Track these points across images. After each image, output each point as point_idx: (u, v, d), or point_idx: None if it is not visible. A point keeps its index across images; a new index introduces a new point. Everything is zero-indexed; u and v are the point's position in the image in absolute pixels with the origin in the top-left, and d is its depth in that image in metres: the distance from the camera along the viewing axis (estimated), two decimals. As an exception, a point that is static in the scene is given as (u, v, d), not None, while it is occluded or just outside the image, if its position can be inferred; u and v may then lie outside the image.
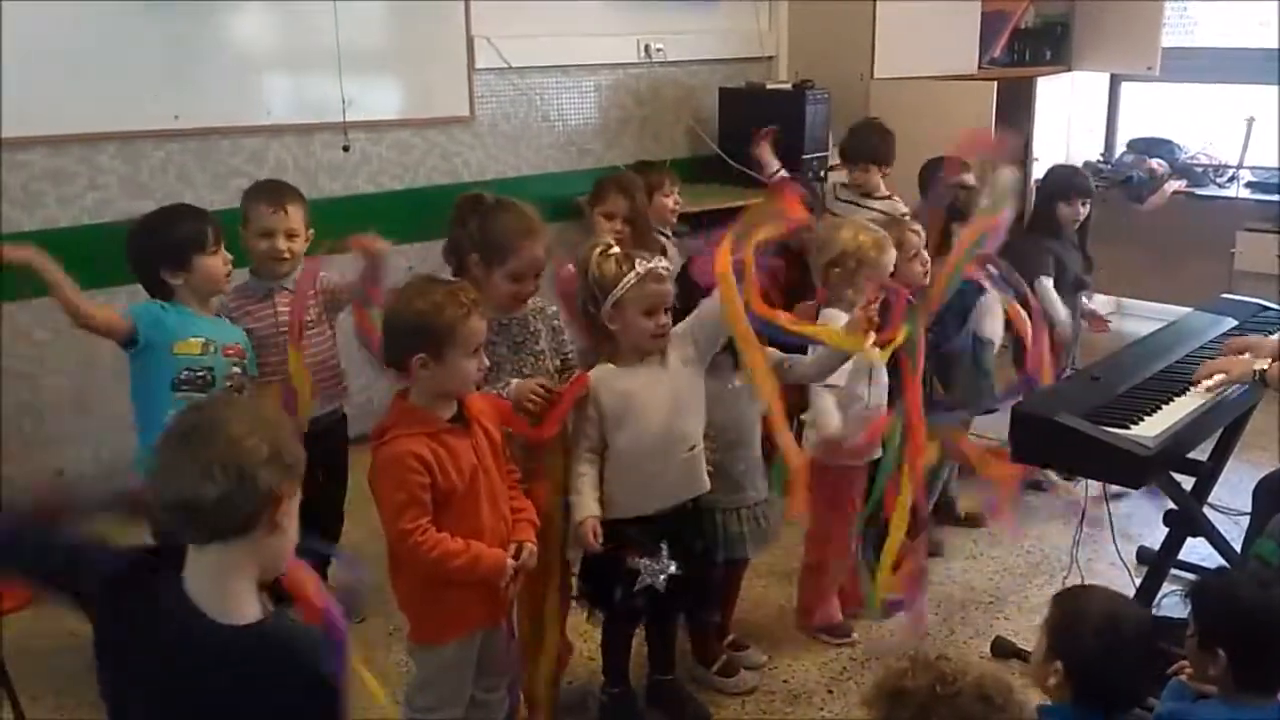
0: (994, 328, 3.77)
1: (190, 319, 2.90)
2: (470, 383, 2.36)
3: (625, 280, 2.58)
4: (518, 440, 2.58)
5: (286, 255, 3.12)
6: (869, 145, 4.39)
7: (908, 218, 3.69)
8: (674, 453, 2.68)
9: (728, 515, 2.91)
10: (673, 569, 2.67)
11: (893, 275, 3.19)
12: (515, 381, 2.64)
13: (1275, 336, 3.24)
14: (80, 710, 2.90)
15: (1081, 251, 4.29)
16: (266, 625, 1.57)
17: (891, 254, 3.14)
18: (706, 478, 2.75)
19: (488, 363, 2.43)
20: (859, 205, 4.31)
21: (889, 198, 4.34)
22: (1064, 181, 4.30)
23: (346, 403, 3.36)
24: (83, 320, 2.83)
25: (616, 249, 2.66)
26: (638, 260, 2.61)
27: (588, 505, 2.62)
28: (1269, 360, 2.83)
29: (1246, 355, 2.98)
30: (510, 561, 2.37)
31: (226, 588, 1.56)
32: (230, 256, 2.97)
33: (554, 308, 2.82)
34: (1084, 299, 4.33)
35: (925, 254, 3.39)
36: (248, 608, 1.57)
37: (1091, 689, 2.03)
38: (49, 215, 4.01)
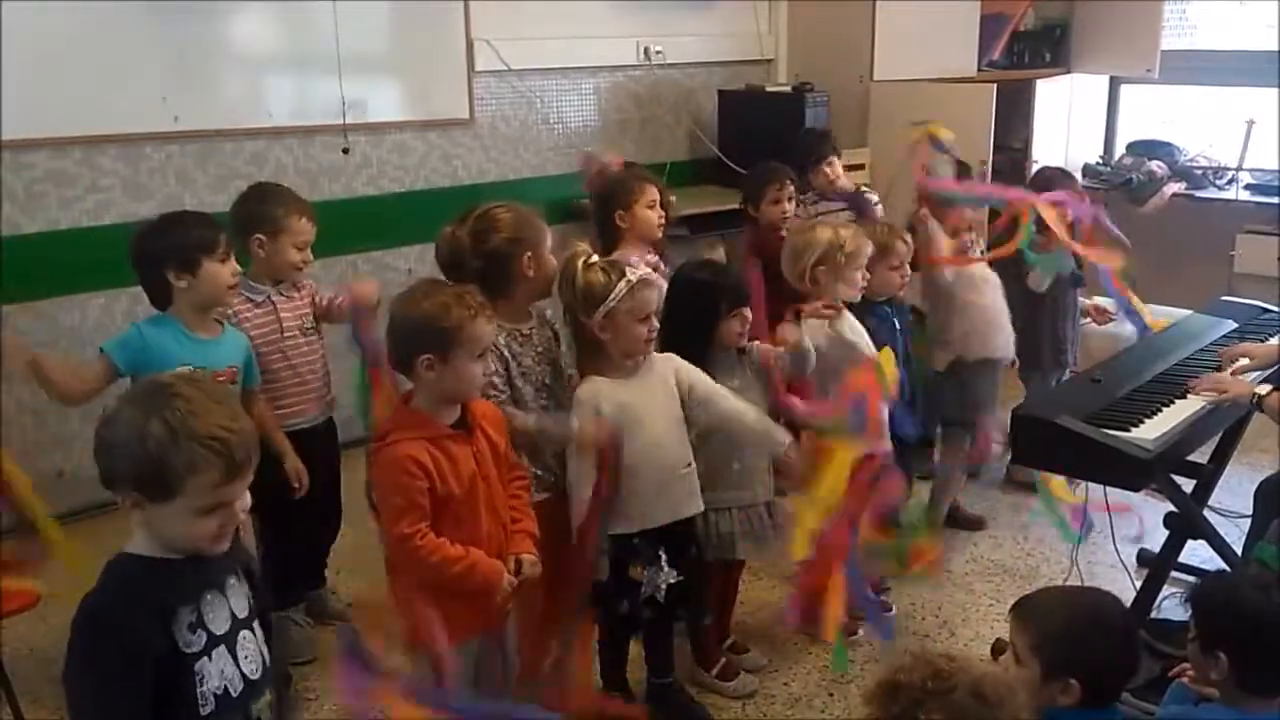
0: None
1: (182, 343, 2.81)
2: (475, 387, 2.36)
3: (617, 290, 2.58)
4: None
5: (309, 261, 3.19)
6: (809, 147, 4.43)
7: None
8: (673, 468, 2.69)
9: (720, 515, 2.90)
10: (673, 578, 2.68)
11: (870, 283, 3.21)
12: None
13: (1274, 341, 3.25)
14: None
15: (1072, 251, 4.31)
16: (117, 555, 1.69)
17: (869, 241, 3.17)
18: (700, 499, 2.76)
19: (490, 368, 2.43)
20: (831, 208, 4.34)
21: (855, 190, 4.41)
22: (1053, 182, 4.31)
23: (334, 410, 3.34)
24: (66, 398, 2.86)
25: (596, 257, 2.66)
26: (626, 268, 2.62)
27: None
28: (1268, 387, 2.83)
29: (1244, 361, 3.00)
30: (509, 577, 2.36)
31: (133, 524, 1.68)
32: (239, 269, 2.92)
33: (550, 311, 2.83)
34: (1082, 296, 4.34)
35: (908, 267, 3.38)
36: (135, 542, 1.68)
37: (1104, 688, 2.03)
38: (50, 217, 4.02)
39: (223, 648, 1.70)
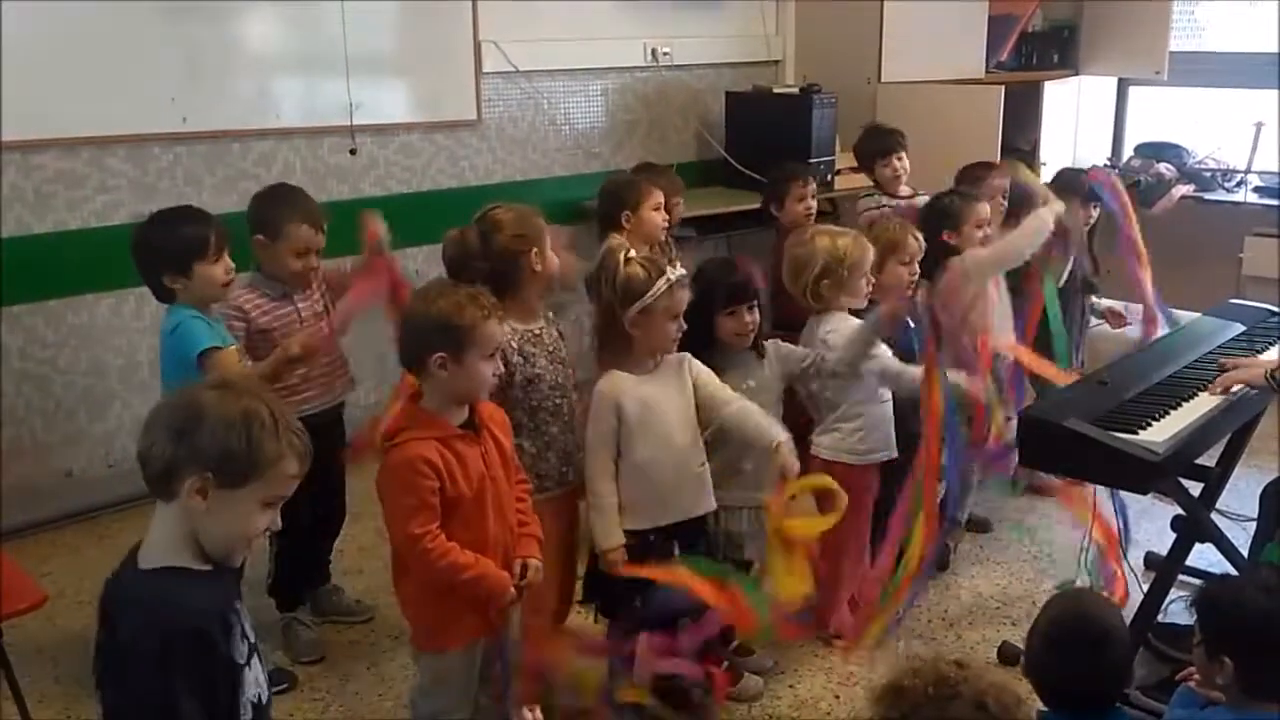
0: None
1: (212, 327, 2.88)
2: (486, 387, 2.36)
3: (657, 287, 2.60)
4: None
5: (315, 268, 3.15)
6: (885, 138, 4.41)
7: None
8: (689, 465, 2.70)
9: (730, 515, 2.90)
10: None
11: (879, 277, 3.20)
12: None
13: (1271, 353, 3.23)
14: (89, 712, 2.90)
15: (1089, 254, 4.30)
16: (143, 572, 1.65)
17: (870, 247, 3.15)
18: (713, 497, 2.78)
19: (499, 369, 2.43)
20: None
21: (913, 195, 4.34)
22: (1074, 185, 4.28)
23: (352, 390, 3.34)
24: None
25: (634, 253, 2.69)
26: (667, 268, 2.64)
27: (614, 533, 2.65)
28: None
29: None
30: (512, 590, 2.37)
31: (152, 537, 1.67)
32: (232, 265, 2.92)
33: (552, 314, 2.84)
34: (1094, 300, 4.33)
35: (916, 264, 3.37)
36: (158, 555, 1.65)
37: (1075, 696, 2.05)
38: (59, 218, 4.03)
39: (256, 656, 1.72)
